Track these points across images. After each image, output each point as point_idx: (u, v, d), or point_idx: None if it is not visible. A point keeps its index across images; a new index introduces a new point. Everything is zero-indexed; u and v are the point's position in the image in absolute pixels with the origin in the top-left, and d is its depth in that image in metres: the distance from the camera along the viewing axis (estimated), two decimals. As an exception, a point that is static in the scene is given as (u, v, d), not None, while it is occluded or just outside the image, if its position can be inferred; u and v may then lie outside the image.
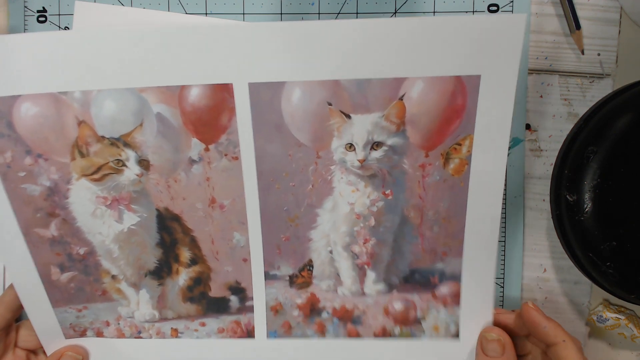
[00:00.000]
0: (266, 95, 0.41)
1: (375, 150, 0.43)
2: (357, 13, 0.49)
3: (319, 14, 0.49)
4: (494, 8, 0.48)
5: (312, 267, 0.47)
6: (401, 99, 0.41)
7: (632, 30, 0.47)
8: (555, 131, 0.49)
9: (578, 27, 0.47)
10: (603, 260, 0.43)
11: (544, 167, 0.50)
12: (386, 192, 0.44)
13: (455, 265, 0.45)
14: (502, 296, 0.51)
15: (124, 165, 0.43)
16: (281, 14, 0.49)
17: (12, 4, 0.50)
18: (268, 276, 0.47)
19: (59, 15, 0.50)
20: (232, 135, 0.42)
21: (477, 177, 0.42)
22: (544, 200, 0.50)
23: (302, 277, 0.47)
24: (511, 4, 0.47)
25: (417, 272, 0.46)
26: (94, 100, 0.41)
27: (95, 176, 0.43)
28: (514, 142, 0.49)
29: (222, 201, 0.45)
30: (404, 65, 0.40)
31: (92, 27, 0.48)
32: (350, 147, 0.43)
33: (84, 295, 0.48)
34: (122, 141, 0.42)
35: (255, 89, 0.41)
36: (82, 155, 0.43)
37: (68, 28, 0.50)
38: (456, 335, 0.47)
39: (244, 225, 0.45)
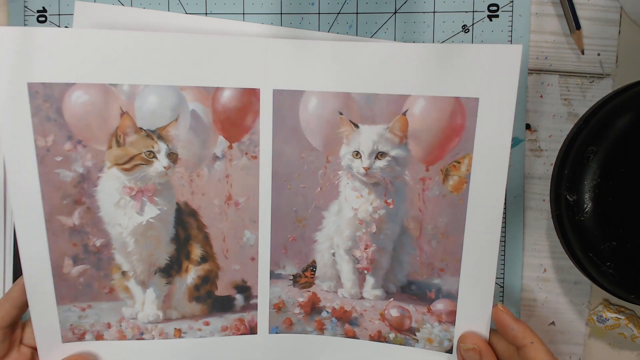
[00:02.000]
0: (287, 102, 0.46)
1: (380, 159, 0.47)
2: (357, 13, 0.50)
3: (318, 14, 0.50)
4: (494, 8, 0.48)
5: (315, 268, 0.49)
6: (404, 114, 0.46)
7: (632, 30, 0.47)
8: (555, 131, 0.49)
9: (578, 27, 0.47)
10: (603, 260, 0.43)
11: (544, 167, 0.50)
12: (388, 201, 0.48)
13: (452, 283, 0.47)
14: (502, 296, 0.51)
15: (154, 157, 0.47)
16: (281, 14, 0.50)
17: (12, 4, 0.50)
18: (273, 275, 0.49)
19: (59, 15, 0.51)
20: (254, 136, 0.47)
21: (475, 197, 0.45)
22: (544, 200, 0.50)
23: (305, 277, 0.49)
24: (511, 4, 0.48)
25: (414, 284, 0.48)
26: (139, 94, 0.46)
27: (127, 166, 0.47)
28: (514, 142, 0.49)
29: (238, 198, 0.48)
30: (408, 84, 0.45)
31: (145, 31, 0.50)
32: (357, 154, 0.47)
33: (91, 292, 0.49)
34: (157, 134, 0.47)
35: (278, 95, 0.46)
36: (119, 144, 0.46)
37: (68, 28, 0.50)
38: (449, 351, 0.48)
39: (255, 224, 0.48)
